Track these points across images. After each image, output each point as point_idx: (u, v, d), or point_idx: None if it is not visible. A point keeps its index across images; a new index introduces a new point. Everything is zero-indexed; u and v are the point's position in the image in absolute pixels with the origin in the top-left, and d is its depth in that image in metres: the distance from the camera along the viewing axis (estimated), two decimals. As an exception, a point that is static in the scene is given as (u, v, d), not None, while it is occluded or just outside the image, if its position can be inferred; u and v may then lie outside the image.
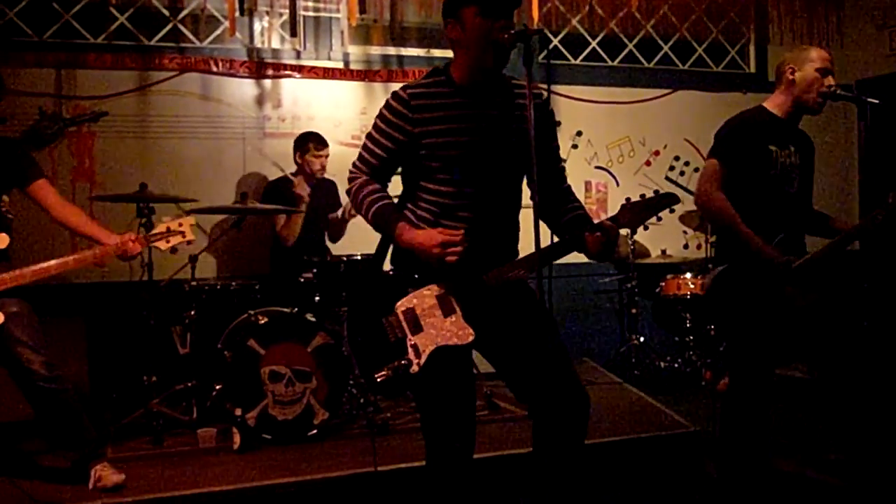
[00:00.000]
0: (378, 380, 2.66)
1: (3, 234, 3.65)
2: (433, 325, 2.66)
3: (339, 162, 5.63)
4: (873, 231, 3.31)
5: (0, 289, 3.53)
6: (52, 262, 3.62)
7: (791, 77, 3.52)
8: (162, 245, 3.85)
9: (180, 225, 3.87)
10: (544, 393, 2.66)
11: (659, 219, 2.73)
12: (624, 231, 6.04)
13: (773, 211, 3.47)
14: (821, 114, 3.57)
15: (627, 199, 2.72)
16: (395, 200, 2.82)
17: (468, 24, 2.62)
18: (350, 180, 2.81)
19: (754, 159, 3.46)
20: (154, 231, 3.88)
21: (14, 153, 3.80)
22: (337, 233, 5.63)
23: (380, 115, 2.75)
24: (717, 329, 5.71)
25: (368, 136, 2.77)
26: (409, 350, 2.66)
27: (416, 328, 2.67)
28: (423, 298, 2.69)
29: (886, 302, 3.70)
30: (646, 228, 2.68)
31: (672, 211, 2.75)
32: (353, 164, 2.81)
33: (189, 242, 3.92)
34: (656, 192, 2.73)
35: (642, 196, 2.69)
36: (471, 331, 2.63)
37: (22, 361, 3.55)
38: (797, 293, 3.39)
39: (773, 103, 3.59)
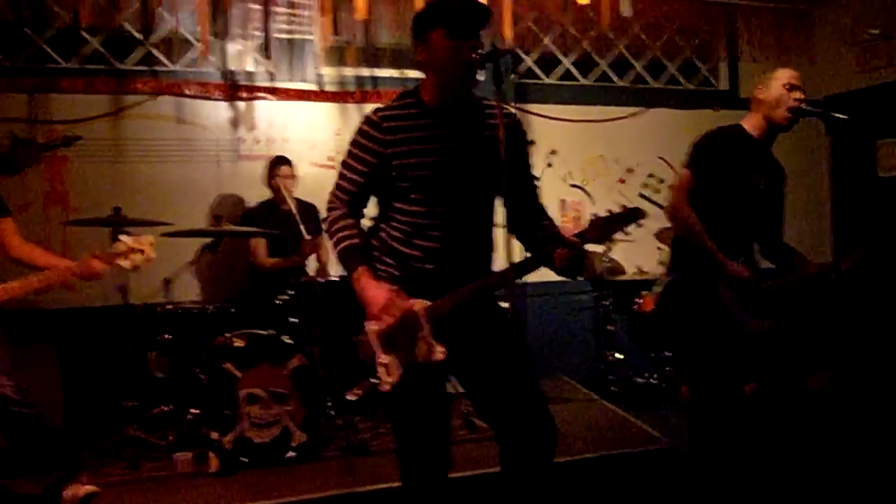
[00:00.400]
0: (349, 398, 2.66)
1: None
2: (403, 344, 2.65)
3: (314, 183, 5.64)
4: (835, 279, 3.34)
5: None
6: (10, 284, 3.56)
7: (760, 97, 3.57)
8: (124, 263, 3.75)
9: (140, 243, 3.78)
10: (507, 417, 2.67)
11: (626, 233, 2.74)
12: (599, 248, 6.13)
13: (737, 230, 3.52)
14: (791, 131, 3.61)
15: (594, 215, 2.74)
16: (370, 224, 2.84)
17: (436, 46, 2.63)
18: (328, 210, 2.82)
19: (726, 176, 3.50)
20: (113, 250, 3.76)
21: None
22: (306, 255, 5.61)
23: (353, 141, 2.76)
24: (666, 340, 5.68)
25: (343, 162, 2.78)
26: (380, 369, 2.65)
27: (388, 347, 2.67)
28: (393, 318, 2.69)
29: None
30: (611, 241, 2.72)
31: (640, 226, 2.76)
32: (332, 193, 2.81)
33: (148, 260, 3.80)
34: (623, 206, 2.76)
35: (609, 211, 2.72)
36: (442, 349, 2.62)
37: None
38: (750, 317, 3.44)
39: (748, 123, 3.62)
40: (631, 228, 2.70)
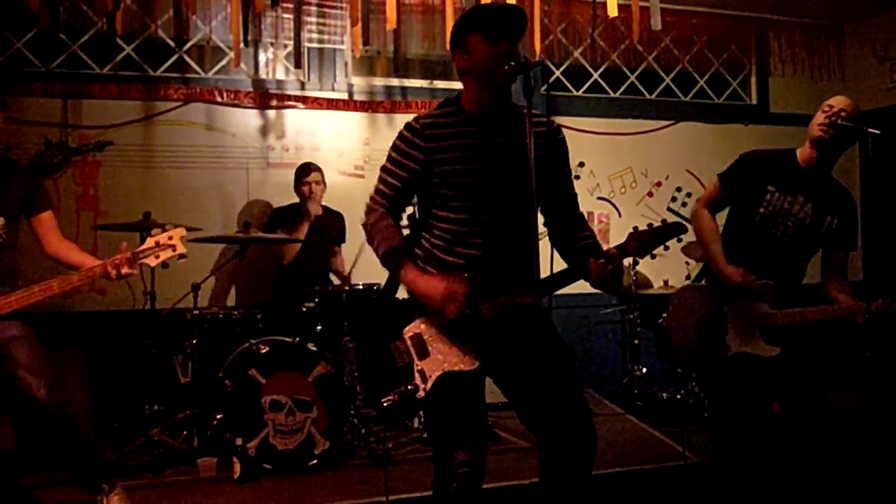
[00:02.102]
0: (384, 404, 2.66)
1: None
2: (440, 350, 2.66)
3: (343, 192, 5.68)
4: (865, 320, 3.28)
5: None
6: (35, 286, 3.48)
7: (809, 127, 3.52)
8: (151, 261, 3.59)
9: (170, 238, 3.62)
10: (551, 423, 2.63)
11: (666, 248, 2.73)
12: (626, 261, 6.08)
13: (752, 250, 3.46)
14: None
15: (635, 228, 2.72)
16: (407, 232, 2.84)
17: (474, 50, 2.65)
18: (367, 213, 2.82)
19: (747, 194, 3.49)
20: (142, 247, 3.59)
21: (29, 181, 3.76)
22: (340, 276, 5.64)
23: (393, 146, 2.77)
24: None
25: (383, 167, 2.79)
26: (416, 375, 2.66)
27: (423, 353, 2.67)
28: (430, 324, 2.69)
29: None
30: (653, 257, 2.69)
31: (680, 240, 2.76)
32: (371, 197, 2.82)
33: (181, 256, 3.64)
34: (663, 221, 2.74)
35: (649, 225, 2.70)
36: (477, 357, 2.63)
37: (25, 388, 3.44)
38: (761, 342, 3.40)
39: (801, 150, 3.53)
40: (668, 243, 2.69)
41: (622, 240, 2.74)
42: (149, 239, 3.62)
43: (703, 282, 3.68)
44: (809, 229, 3.48)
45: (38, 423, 3.54)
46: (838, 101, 3.43)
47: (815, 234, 3.50)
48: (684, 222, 2.84)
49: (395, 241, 2.73)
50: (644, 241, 2.68)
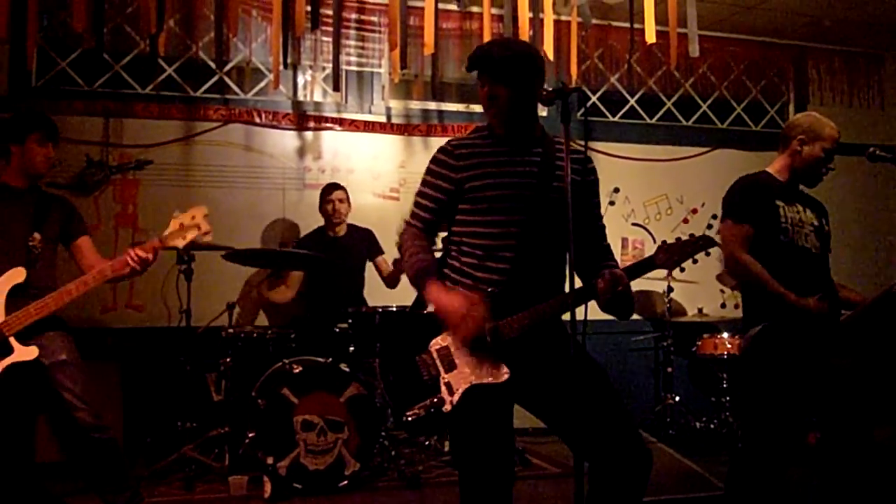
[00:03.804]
0: (409, 418, 2.64)
1: (20, 268, 3.57)
2: (468, 363, 2.65)
3: (377, 214, 5.70)
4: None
5: (27, 322, 3.48)
6: (70, 284, 3.55)
7: (798, 148, 3.53)
8: (179, 242, 3.60)
9: (193, 217, 3.60)
10: (605, 447, 2.58)
11: (695, 261, 2.71)
12: (660, 288, 6.06)
13: (791, 266, 3.43)
14: (859, 178, 3.56)
15: (664, 242, 2.72)
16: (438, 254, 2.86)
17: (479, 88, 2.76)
18: (401, 235, 2.86)
19: (763, 215, 3.46)
20: (167, 231, 3.60)
21: (67, 212, 3.86)
22: (393, 280, 5.64)
23: (427, 170, 2.83)
24: (750, 390, 5.60)
25: (418, 192, 2.84)
26: (443, 388, 2.65)
27: (450, 366, 2.66)
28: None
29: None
30: (682, 270, 2.68)
31: (708, 254, 2.73)
32: (405, 222, 2.86)
33: (206, 233, 3.61)
34: (691, 235, 2.73)
35: (678, 239, 2.69)
36: (506, 370, 2.61)
37: (69, 410, 3.54)
38: (831, 353, 3.35)
39: (775, 168, 3.61)
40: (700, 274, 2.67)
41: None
42: (172, 222, 3.63)
43: (759, 328, 3.55)
44: (822, 232, 3.51)
45: (77, 441, 3.62)
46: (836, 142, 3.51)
47: (827, 237, 3.55)
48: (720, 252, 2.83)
49: (424, 259, 2.75)
50: (672, 254, 2.68)
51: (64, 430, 3.63)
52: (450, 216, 2.82)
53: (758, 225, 3.46)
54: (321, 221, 5.68)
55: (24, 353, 3.47)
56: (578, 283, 2.63)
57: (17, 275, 3.56)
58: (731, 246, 3.48)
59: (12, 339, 3.46)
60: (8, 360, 3.45)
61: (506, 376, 2.61)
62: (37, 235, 3.67)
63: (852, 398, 3.37)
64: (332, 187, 5.57)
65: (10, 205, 3.71)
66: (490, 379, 2.62)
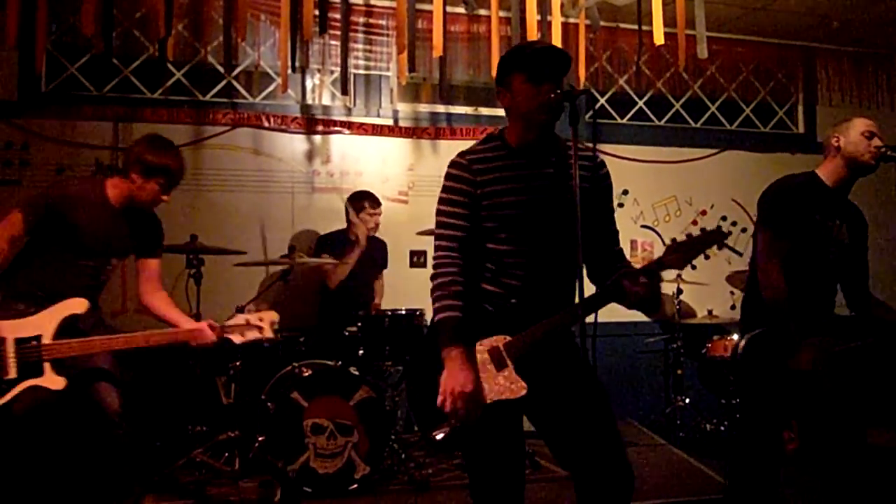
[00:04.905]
0: (437, 437, 2.61)
1: (83, 300, 3.48)
2: (486, 380, 2.63)
3: (386, 217, 5.69)
4: None
5: (68, 354, 3.38)
6: (120, 336, 3.49)
7: (836, 144, 3.48)
8: (236, 338, 3.65)
9: (260, 319, 3.66)
10: (587, 464, 2.61)
11: (706, 257, 2.69)
12: (670, 290, 6.04)
13: (808, 282, 3.41)
14: (866, 181, 3.53)
15: (673, 240, 2.67)
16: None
17: (516, 90, 2.66)
18: (435, 267, 2.70)
19: (799, 227, 3.41)
20: (230, 322, 3.68)
21: (154, 227, 3.89)
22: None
23: (444, 188, 2.72)
24: (745, 392, 5.59)
25: (439, 214, 2.72)
26: None
27: None
28: (479, 353, 2.66)
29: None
30: (693, 268, 2.66)
31: (721, 248, 2.69)
32: (435, 256, 2.71)
33: (267, 342, 3.67)
34: (703, 229, 2.69)
35: (688, 235, 2.66)
36: (523, 384, 2.60)
37: (98, 401, 3.45)
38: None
39: (825, 171, 3.52)
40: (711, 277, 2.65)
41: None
42: (238, 315, 3.69)
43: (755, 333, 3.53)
44: (849, 250, 3.47)
45: (100, 435, 3.53)
46: (873, 127, 3.44)
47: (852, 255, 3.49)
48: (731, 255, 2.82)
49: (450, 317, 2.62)
50: (683, 252, 2.62)
51: (87, 422, 3.55)
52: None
53: (792, 234, 3.41)
54: (330, 225, 5.69)
55: (52, 381, 3.35)
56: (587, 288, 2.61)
57: (79, 306, 3.47)
58: (768, 263, 3.41)
59: (47, 364, 3.36)
60: (31, 382, 3.33)
61: (524, 391, 2.60)
62: (114, 261, 3.68)
63: (838, 406, 3.35)
64: (378, 202, 5.56)
65: (107, 223, 3.67)
66: (508, 395, 2.61)
